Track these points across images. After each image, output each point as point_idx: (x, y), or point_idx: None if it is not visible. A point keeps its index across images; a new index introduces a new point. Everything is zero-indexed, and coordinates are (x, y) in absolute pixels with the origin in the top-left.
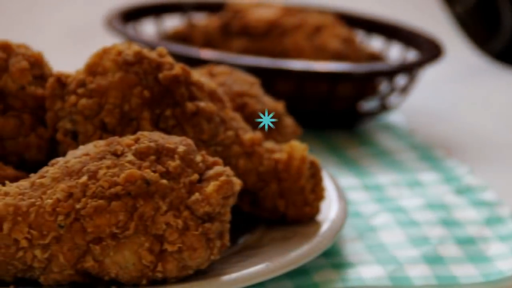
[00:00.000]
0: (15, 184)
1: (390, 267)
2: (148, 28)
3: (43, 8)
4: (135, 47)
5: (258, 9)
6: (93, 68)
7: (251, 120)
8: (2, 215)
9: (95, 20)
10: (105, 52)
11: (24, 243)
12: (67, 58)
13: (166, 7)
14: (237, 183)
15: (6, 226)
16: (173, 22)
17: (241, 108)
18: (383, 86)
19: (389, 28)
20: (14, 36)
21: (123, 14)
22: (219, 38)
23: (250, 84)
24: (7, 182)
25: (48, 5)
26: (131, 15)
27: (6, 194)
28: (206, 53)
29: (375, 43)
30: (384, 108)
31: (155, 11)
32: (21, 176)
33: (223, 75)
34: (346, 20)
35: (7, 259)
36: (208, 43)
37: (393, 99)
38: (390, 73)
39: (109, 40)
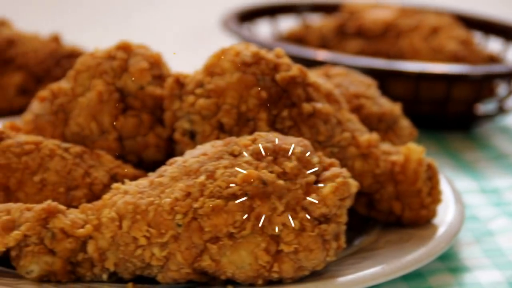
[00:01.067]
0: (134, 182)
1: (508, 272)
2: (263, 29)
3: (160, 8)
4: (253, 48)
5: (374, 10)
6: (211, 69)
7: (368, 121)
8: (122, 213)
9: (210, 20)
10: (223, 52)
11: (143, 241)
12: (183, 58)
13: (281, 8)
14: (354, 185)
15: (125, 224)
16: (287, 23)
17: (357, 109)
18: (501, 88)
19: (508, 30)
20: (131, 36)
21: (238, 15)
22: (334, 39)
23: (366, 86)
24: (126, 180)
25: (164, 6)
26: (246, 16)
27: (126, 192)
28: (322, 54)
29: (493, 45)
30: (501, 110)
31: (270, 12)
32: (139, 175)
33: (340, 77)
34: (464, 22)
35: (126, 257)
36: (323, 45)
37: (511, 101)
38: (508, 75)
39: (224, 40)
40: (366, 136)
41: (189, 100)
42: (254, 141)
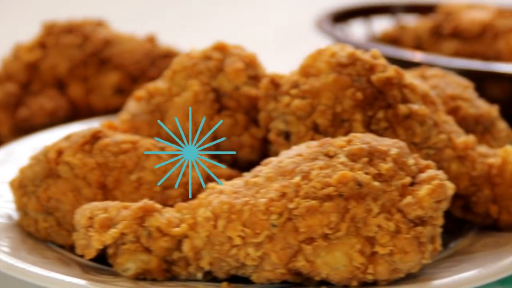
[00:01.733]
0: (229, 182)
1: None
2: (356, 29)
3: (254, 9)
4: (349, 49)
5: (471, 11)
6: (307, 69)
7: (464, 123)
8: (217, 213)
9: (303, 21)
10: (319, 53)
11: (238, 240)
12: (277, 59)
13: (375, 8)
14: (450, 187)
15: (220, 224)
16: (381, 24)
17: (454, 111)
18: None
19: None
20: (226, 37)
21: (332, 15)
22: (429, 41)
23: (463, 87)
24: (221, 180)
25: (258, 6)
26: (340, 17)
27: (221, 192)
28: (417, 56)
29: None
30: None
31: (364, 13)
32: (234, 174)
33: (436, 78)
34: None
35: (221, 256)
36: (418, 46)
37: None
38: None
39: (317, 41)
40: (462, 138)
41: (284, 100)
42: (349, 142)
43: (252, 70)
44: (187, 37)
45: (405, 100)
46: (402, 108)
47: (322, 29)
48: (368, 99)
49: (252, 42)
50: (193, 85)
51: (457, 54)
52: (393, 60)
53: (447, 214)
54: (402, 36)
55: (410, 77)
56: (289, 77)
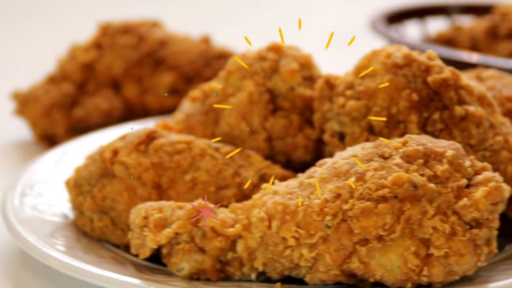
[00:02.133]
0: (283, 183)
1: None
2: (411, 30)
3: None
4: (405, 50)
5: None
6: (362, 70)
7: None
8: (272, 213)
9: (357, 21)
10: (374, 54)
11: (292, 241)
12: (332, 59)
13: (431, 9)
14: (507, 190)
15: (275, 224)
16: (436, 25)
17: (510, 113)
18: None
19: None
20: (280, 37)
21: (386, 16)
22: (485, 41)
23: None
24: (276, 181)
25: (311, 7)
26: (394, 18)
27: (275, 193)
28: (474, 57)
29: None
30: None
31: (419, 14)
32: (288, 175)
33: (492, 79)
34: None
35: (274, 257)
36: (474, 47)
37: None
38: None
39: (372, 42)
40: None
41: (339, 101)
42: (405, 143)
43: (307, 71)
44: (241, 37)
45: (461, 102)
46: (458, 110)
47: (376, 30)
48: (423, 101)
49: (306, 42)
50: (248, 86)
51: None
52: (448, 61)
53: (503, 217)
54: (457, 37)
55: (466, 78)
56: (344, 78)
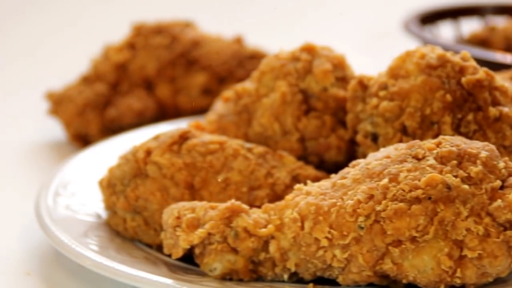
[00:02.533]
0: (316, 184)
1: None
2: (444, 31)
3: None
4: (439, 51)
5: None
6: (396, 71)
7: None
8: (304, 214)
9: (390, 22)
10: (408, 55)
11: (324, 242)
12: (365, 60)
13: (464, 10)
14: None
15: (307, 225)
16: (469, 26)
17: None
18: None
19: None
20: (312, 38)
21: (419, 17)
22: None
23: None
24: (308, 181)
25: (344, 7)
26: (427, 18)
27: (308, 193)
28: (508, 57)
29: None
30: None
31: (452, 14)
32: (321, 176)
33: None
34: None
35: (307, 257)
36: (508, 47)
37: None
38: None
39: (405, 43)
40: None
41: (372, 102)
42: (438, 144)
43: (340, 72)
44: (274, 38)
45: (496, 103)
46: (493, 111)
47: (409, 30)
48: (457, 102)
49: (339, 43)
50: (281, 86)
51: None
52: (482, 62)
53: None
54: (491, 38)
55: (500, 79)
56: (377, 79)
